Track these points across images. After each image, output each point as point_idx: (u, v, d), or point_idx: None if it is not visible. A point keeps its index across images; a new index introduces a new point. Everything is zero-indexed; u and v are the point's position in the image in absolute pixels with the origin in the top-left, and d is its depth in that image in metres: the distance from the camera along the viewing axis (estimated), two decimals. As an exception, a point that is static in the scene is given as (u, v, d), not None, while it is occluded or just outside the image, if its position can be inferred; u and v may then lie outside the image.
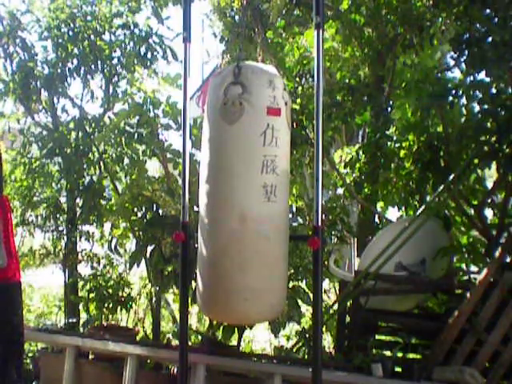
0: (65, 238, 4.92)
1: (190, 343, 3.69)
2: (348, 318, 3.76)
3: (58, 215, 4.90)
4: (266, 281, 2.44)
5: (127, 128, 4.19)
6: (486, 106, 3.52)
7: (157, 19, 4.92)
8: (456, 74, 5.01)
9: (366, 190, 4.53)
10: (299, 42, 5.14)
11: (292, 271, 3.69)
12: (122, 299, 4.33)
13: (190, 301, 3.24)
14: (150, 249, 3.95)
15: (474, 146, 3.68)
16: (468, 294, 3.28)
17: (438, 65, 5.00)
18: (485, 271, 3.32)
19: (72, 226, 4.88)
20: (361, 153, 4.51)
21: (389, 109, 4.52)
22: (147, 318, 4.71)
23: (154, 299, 4.45)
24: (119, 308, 4.31)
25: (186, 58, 2.66)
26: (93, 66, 4.77)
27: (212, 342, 3.76)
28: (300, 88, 4.77)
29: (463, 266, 4.16)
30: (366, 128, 5.09)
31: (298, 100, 4.32)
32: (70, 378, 3.51)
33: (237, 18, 6.00)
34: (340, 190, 5.07)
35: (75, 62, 4.75)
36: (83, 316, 4.66)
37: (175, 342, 4.05)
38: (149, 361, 3.68)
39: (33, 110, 4.94)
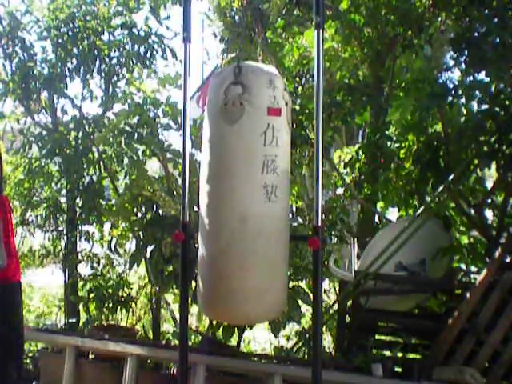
0: (65, 238, 4.92)
1: (190, 343, 3.69)
2: (348, 318, 3.76)
3: (57, 215, 4.90)
4: (267, 281, 2.44)
5: (127, 128, 4.19)
6: (485, 106, 3.52)
7: (156, 19, 4.92)
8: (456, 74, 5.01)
9: (365, 190, 4.53)
10: (299, 42, 5.14)
11: (292, 271, 3.69)
12: (122, 299, 4.33)
13: (190, 301, 3.24)
14: (150, 249, 3.95)
15: (473, 146, 3.68)
16: (468, 294, 3.28)
17: (436, 65, 5.00)
18: (485, 271, 3.32)
19: (72, 226, 4.88)
20: (361, 153, 4.51)
21: (389, 109, 4.52)
22: (147, 318, 4.71)
23: (153, 299, 4.45)
24: (119, 308, 4.31)
25: (186, 58, 2.66)
26: (92, 66, 4.77)
27: (212, 341, 3.77)
28: (300, 88, 4.78)
29: (463, 265, 4.16)
30: (366, 128, 5.09)
31: (298, 100, 4.32)
32: (70, 378, 3.51)
33: (237, 18, 6.00)
34: (340, 190, 5.07)
35: (74, 61, 4.75)
36: (83, 316, 4.67)
37: (175, 342, 4.04)
38: (149, 361, 3.68)
39: (33, 110, 4.94)
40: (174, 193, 4.09)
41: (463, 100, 3.78)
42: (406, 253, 3.69)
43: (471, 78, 3.72)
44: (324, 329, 4.24)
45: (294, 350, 3.95)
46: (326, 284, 4.88)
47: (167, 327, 4.91)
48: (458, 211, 4.11)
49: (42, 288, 6.17)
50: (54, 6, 4.71)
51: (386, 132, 4.39)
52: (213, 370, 3.35)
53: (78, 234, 4.88)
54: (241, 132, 2.36)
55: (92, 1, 4.83)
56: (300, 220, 4.36)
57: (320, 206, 2.39)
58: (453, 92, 3.57)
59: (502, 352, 3.14)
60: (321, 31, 2.44)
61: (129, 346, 3.45)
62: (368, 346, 3.37)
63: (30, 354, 4.22)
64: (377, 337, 3.67)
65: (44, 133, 4.88)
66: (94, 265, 4.79)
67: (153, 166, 5.08)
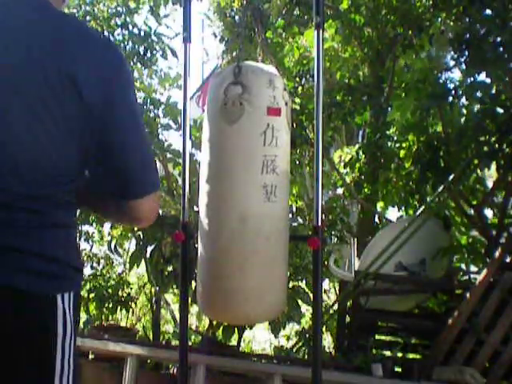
0: (65, 238, 4.91)
1: (190, 343, 3.68)
2: (348, 318, 3.76)
3: (57, 215, 4.89)
4: (266, 281, 2.43)
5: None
6: (485, 107, 3.52)
7: (155, 20, 4.92)
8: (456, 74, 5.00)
9: (365, 190, 4.53)
10: (299, 42, 5.14)
11: (292, 271, 3.68)
12: (122, 299, 4.33)
13: (190, 301, 3.24)
14: (150, 249, 3.95)
15: (473, 146, 3.68)
16: (468, 294, 3.28)
17: (437, 65, 5.01)
18: (485, 271, 3.32)
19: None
20: (361, 153, 4.51)
21: (389, 109, 4.53)
22: (147, 318, 4.71)
23: (153, 299, 4.45)
24: (119, 308, 4.31)
25: (186, 58, 2.65)
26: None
27: (212, 341, 3.76)
28: (300, 88, 4.78)
29: (463, 266, 4.16)
30: (366, 128, 5.10)
31: (298, 100, 4.32)
32: (70, 378, 3.50)
33: (237, 18, 6.00)
34: (340, 190, 5.08)
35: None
36: (83, 316, 4.66)
37: (175, 342, 4.04)
38: (149, 361, 3.68)
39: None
40: (174, 193, 4.09)
41: (463, 100, 3.79)
42: (405, 253, 3.69)
43: (471, 79, 3.71)
44: (324, 329, 4.24)
45: (294, 350, 3.95)
46: (326, 284, 4.89)
47: (167, 327, 4.90)
48: (457, 211, 4.11)
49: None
50: (54, 6, 4.70)
51: (386, 132, 4.39)
52: (213, 370, 3.35)
53: (77, 234, 4.88)
54: (240, 132, 2.35)
55: (92, 1, 4.83)
56: (300, 220, 4.36)
57: (320, 206, 2.39)
58: (453, 92, 3.57)
59: (502, 352, 3.14)
60: (321, 31, 2.43)
61: (129, 346, 3.44)
62: (368, 346, 3.37)
63: (30, 354, 4.21)
64: (377, 337, 3.67)
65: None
66: (94, 265, 4.79)
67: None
